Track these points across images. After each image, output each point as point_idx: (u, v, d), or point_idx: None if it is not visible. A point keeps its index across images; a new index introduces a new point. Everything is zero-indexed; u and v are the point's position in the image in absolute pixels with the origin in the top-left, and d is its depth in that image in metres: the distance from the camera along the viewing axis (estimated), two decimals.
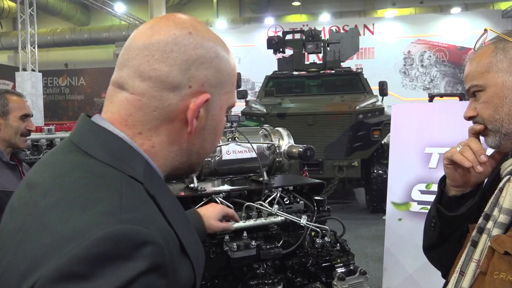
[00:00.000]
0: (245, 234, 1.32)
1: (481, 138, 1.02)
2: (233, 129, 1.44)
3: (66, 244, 0.51)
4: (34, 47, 11.95)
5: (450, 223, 1.04)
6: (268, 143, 1.49)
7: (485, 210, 0.94)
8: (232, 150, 1.43)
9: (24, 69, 11.69)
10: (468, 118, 1.03)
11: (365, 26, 16.49)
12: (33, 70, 11.75)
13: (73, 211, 0.54)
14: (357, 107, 6.42)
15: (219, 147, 1.40)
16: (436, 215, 1.06)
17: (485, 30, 1.04)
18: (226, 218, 1.28)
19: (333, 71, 7.90)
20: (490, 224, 0.91)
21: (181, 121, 0.68)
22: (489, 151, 1.01)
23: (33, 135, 6.16)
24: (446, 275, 1.07)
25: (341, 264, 1.40)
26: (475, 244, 0.93)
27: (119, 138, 0.65)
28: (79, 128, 0.68)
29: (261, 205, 1.38)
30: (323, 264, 1.39)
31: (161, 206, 0.62)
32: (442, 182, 1.09)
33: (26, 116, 1.99)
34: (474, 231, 0.95)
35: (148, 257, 0.52)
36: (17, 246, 0.55)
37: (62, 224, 0.53)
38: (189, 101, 0.67)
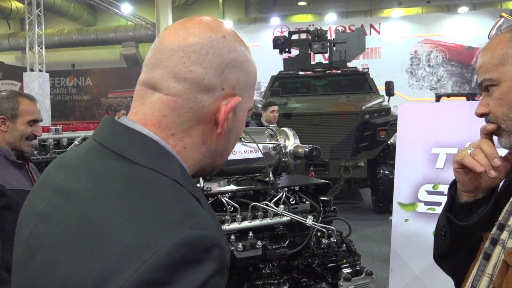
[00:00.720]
0: (251, 234, 1.32)
1: (494, 138, 0.93)
2: None
3: (143, 252, 0.51)
4: (41, 48, 12.04)
5: (461, 233, 0.95)
6: (274, 143, 1.49)
7: (499, 219, 0.86)
8: (238, 150, 1.43)
9: (32, 70, 11.77)
10: (480, 115, 0.94)
11: (371, 26, 16.42)
12: (40, 70, 11.83)
13: (137, 220, 0.55)
14: (363, 107, 6.40)
15: None
16: (446, 224, 0.97)
17: (501, 16, 0.94)
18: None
19: (339, 71, 7.88)
20: (505, 235, 0.83)
21: (212, 122, 0.69)
22: (502, 152, 0.92)
23: None
24: (459, 284, 0.99)
25: (347, 265, 1.39)
26: (488, 257, 0.84)
27: (154, 142, 0.65)
28: (109, 131, 0.67)
29: (267, 205, 1.38)
30: (329, 265, 1.39)
31: (204, 208, 0.64)
32: (452, 187, 0.99)
33: (34, 122, 1.99)
34: (487, 242, 0.86)
35: (215, 259, 0.55)
36: (76, 256, 0.54)
37: (130, 233, 0.53)
38: (221, 103, 0.68)
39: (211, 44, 0.67)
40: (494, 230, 0.86)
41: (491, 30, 0.94)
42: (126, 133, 0.66)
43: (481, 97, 0.95)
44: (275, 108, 5.39)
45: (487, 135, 0.92)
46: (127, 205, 0.57)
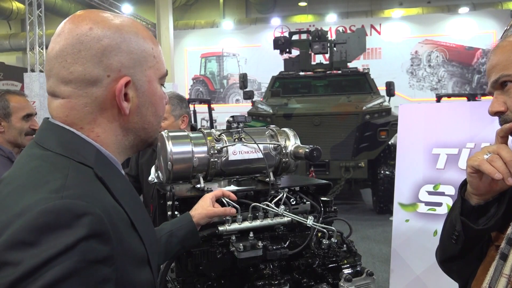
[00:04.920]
0: (251, 234, 1.32)
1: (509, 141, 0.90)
2: (240, 129, 1.44)
3: (17, 218, 0.60)
4: (42, 48, 12.03)
5: (476, 237, 0.94)
6: (275, 144, 1.49)
7: None
8: (239, 151, 1.43)
9: (33, 70, 11.77)
10: (495, 114, 0.92)
11: (372, 26, 16.43)
12: (41, 71, 11.82)
13: (26, 193, 0.64)
14: (364, 108, 6.40)
15: (225, 148, 1.40)
16: (461, 229, 0.94)
17: None
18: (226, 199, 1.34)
19: (339, 72, 7.89)
20: None
21: (114, 107, 0.76)
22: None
23: None
24: (464, 287, 0.99)
25: (348, 265, 1.39)
26: (504, 257, 0.83)
27: (70, 132, 0.75)
28: (40, 129, 0.79)
29: (268, 205, 1.38)
30: (330, 265, 1.38)
31: (109, 187, 0.71)
32: (461, 189, 0.98)
33: (29, 116, 1.98)
34: (503, 242, 0.85)
35: (86, 225, 0.61)
36: None
37: (16, 204, 0.63)
38: (114, 88, 0.74)
39: (80, 41, 0.73)
40: (509, 230, 0.85)
41: (508, 29, 0.93)
42: (47, 127, 0.77)
43: (495, 95, 0.93)
44: None
45: (503, 137, 0.90)
46: (26, 182, 0.67)
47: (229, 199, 1.34)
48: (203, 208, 1.27)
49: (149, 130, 0.83)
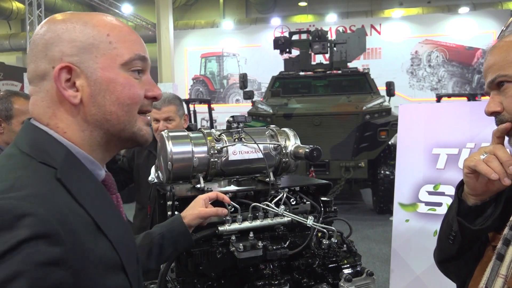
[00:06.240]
0: (251, 234, 1.32)
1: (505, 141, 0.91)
2: (240, 129, 1.44)
3: None
4: None
5: (473, 237, 0.94)
6: (275, 144, 1.49)
7: (511, 219, 0.85)
8: (239, 151, 1.43)
9: None
10: (491, 114, 0.92)
11: (372, 26, 16.42)
12: None
13: None
14: (364, 108, 6.40)
15: (225, 148, 1.40)
16: (458, 230, 0.95)
17: None
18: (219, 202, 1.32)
19: (339, 72, 7.90)
20: None
21: (67, 99, 0.77)
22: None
23: None
24: (462, 287, 1.00)
25: (348, 265, 1.39)
26: (501, 258, 0.84)
27: (43, 132, 0.76)
28: (20, 129, 0.80)
29: (268, 205, 1.38)
30: (330, 265, 1.38)
31: (69, 189, 0.70)
32: (459, 189, 0.98)
33: None
34: (499, 242, 0.86)
35: (28, 227, 0.59)
36: None
37: None
38: None
39: (32, 42, 0.78)
40: (506, 230, 0.85)
41: (504, 29, 0.93)
42: (24, 127, 0.79)
43: (491, 96, 0.93)
44: None
45: (499, 138, 0.90)
46: None
47: (224, 202, 1.34)
48: (195, 209, 1.26)
49: (115, 122, 0.79)
